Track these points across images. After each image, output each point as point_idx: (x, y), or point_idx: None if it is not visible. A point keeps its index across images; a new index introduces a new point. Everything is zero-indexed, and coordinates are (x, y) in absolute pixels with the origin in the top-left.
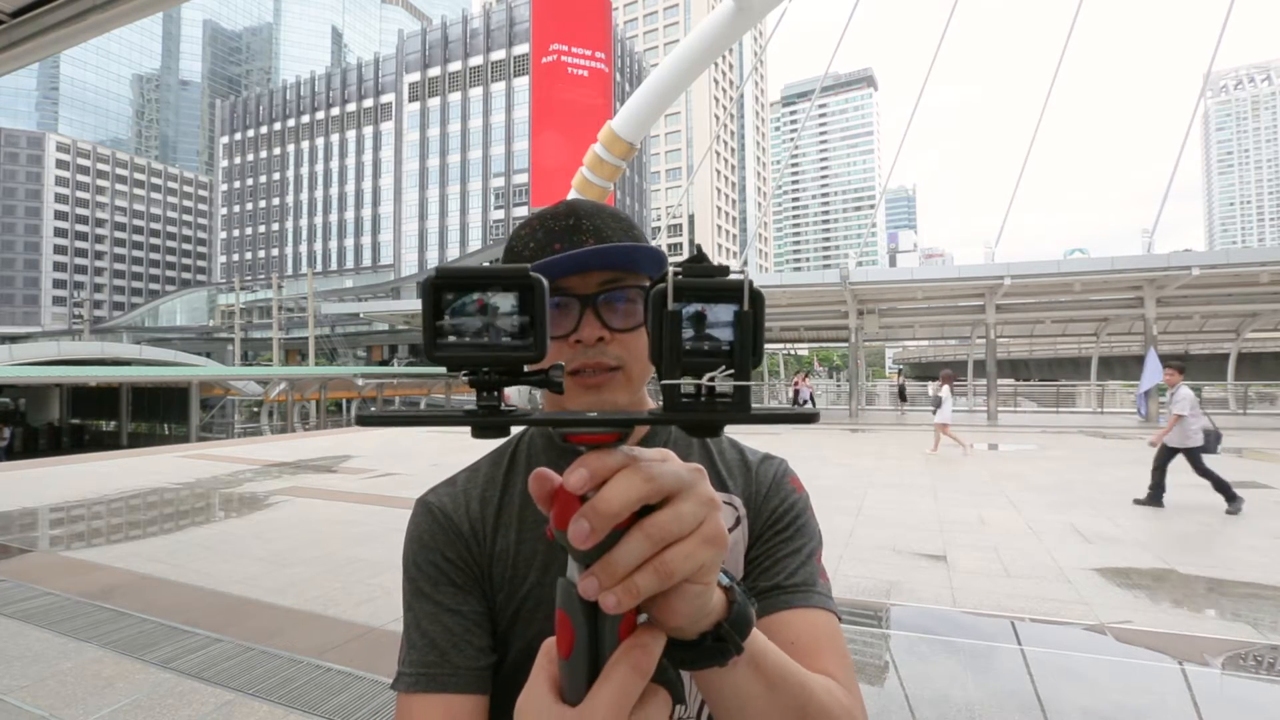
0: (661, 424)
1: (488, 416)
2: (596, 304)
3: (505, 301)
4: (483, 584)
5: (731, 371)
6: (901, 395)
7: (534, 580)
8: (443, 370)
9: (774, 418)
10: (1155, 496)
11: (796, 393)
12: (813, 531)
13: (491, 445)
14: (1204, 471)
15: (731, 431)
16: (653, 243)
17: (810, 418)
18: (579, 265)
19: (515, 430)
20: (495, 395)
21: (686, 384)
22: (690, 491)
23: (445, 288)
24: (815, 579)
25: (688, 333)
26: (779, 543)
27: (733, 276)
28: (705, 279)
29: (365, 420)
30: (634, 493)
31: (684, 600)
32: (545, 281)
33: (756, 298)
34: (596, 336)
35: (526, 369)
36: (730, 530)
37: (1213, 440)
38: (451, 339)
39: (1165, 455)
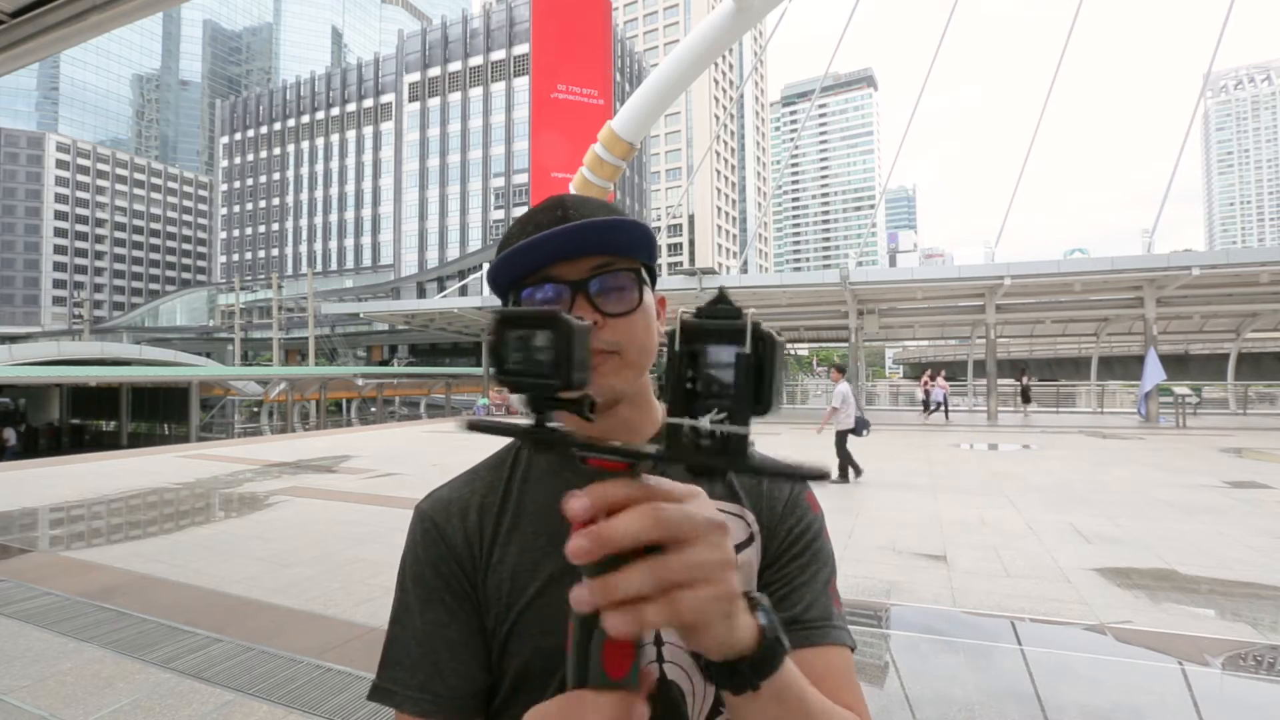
0: (665, 462)
1: (536, 432)
2: (588, 289)
3: (540, 338)
4: (474, 600)
5: (727, 417)
6: (1025, 397)
7: (534, 591)
8: (441, 370)
9: (778, 472)
10: (844, 475)
11: (927, 394)
12: (828, 555)
13: (495, 445)
14: (842, 449)
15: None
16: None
17: (819, 475)
18: (565, 247)
19: (527, 422)
20: (546, 415)
21: (686, 424)
22: (705, 543)
23: (505, 324)
24: (831, 610)
25: (693, 373)
26: (795, 569)
27: (745, 318)
28: (710, 320)
29: (475, 426)
30: (637, 531)
31: (697, 638)
32: (575, 322)
33: (765, 340)
34: (590, 322)
35: (561, 396)
36: (743, 547)
37: (861, 425)
38: (509, 367)
39: (840, 438)
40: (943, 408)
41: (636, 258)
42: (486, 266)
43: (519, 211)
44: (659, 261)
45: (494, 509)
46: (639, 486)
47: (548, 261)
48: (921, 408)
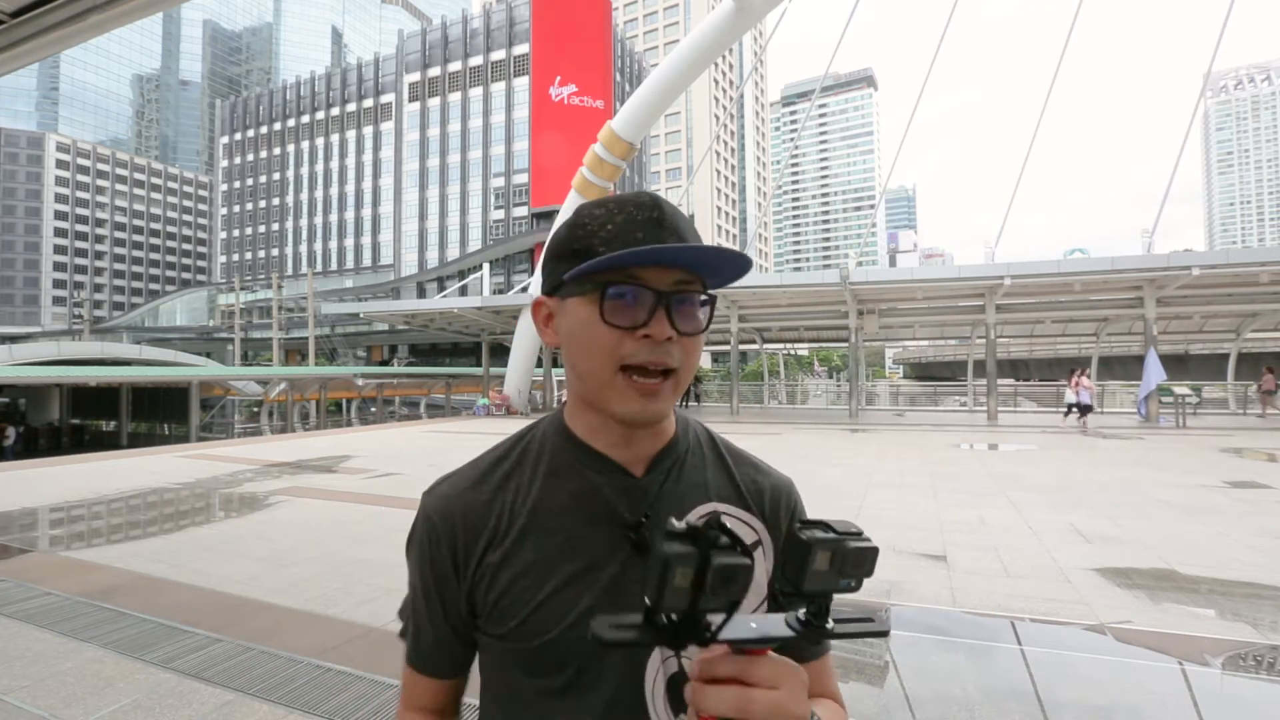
0: (800, 640)
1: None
2: (671, 303)
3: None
4: (474, 595)
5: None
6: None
7: (551, 589)
8: (441, 370)
9: (859, 634)
10: None
11: (1077, 396)
12: None
13: (498, 437)
14: None
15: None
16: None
17: (882, 633)
18: (675, 260)
19: (527, 422)
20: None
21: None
22: None
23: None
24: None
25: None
26: None
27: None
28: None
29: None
30: (726, 710)
31: None
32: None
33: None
34: (666, 335)
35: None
36: (753, 549)
37: None
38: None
39: None
40: (1085, 411)
41: (718, 280)
42: (486, 266)
43: (519, 211)
44: None
45: (508, 507)
46: (742, 667)
47: (639, 263)
48: (1071, 411)
